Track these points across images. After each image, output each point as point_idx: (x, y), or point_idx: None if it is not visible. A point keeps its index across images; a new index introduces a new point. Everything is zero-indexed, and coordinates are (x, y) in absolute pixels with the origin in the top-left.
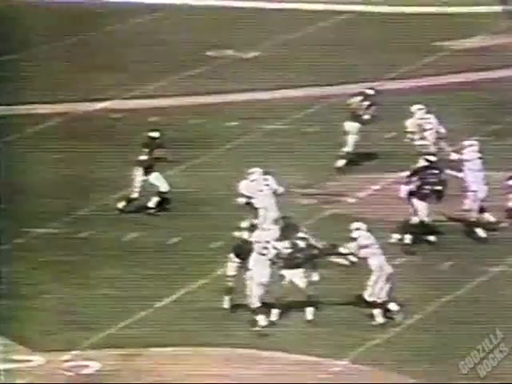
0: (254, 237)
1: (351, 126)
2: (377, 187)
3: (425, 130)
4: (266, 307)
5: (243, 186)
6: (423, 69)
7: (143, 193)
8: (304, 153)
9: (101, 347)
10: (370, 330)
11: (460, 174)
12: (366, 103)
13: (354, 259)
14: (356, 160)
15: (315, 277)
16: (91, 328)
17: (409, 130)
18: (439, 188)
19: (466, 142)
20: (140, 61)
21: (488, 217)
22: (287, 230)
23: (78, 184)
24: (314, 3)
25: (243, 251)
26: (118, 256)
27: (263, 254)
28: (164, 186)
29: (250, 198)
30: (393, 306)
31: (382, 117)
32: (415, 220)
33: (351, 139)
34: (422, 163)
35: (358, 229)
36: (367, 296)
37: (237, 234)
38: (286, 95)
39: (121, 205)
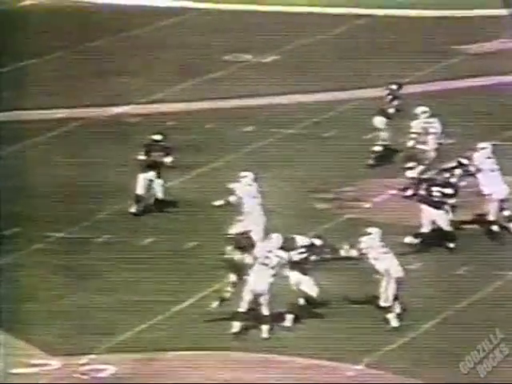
0: (257, 250)
1: (378, 120)
2: (393, 192)
3: (428, 134)
4: (278, 314)
5: (236, 187)
6: (439, 72)
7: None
8: (320, 158)
9: (117, 351)
10: (386, 335)
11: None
12: (390, 97)
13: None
14: (386, 155)
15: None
16: (107, 332)
17: (413, 130)
18: (450, 191)
19: (478, 145)
20: (157, 65)
21: (506, 214)
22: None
23: (95, 189)
24: (332, 7)
25: (240, 268)
26: (135, 260)
27: (265, 264)
28: (159, 193)
29: (241, 199)
30: (397, 309)
31: (407, 110)
32: (426, 228)
33: (381, 135)
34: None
35: (369, 233)
36: (382, 302)
37: (227, 255)
38: (302, 100)
39: (133, 208)
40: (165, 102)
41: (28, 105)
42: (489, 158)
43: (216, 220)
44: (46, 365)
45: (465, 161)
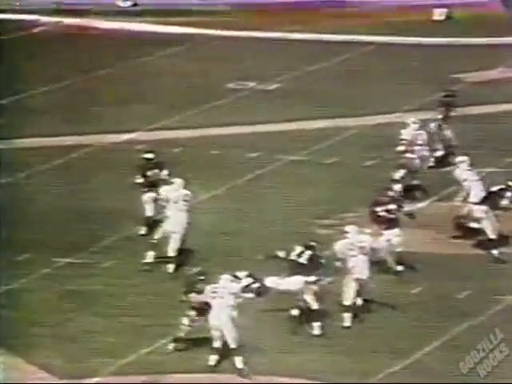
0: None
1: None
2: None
3: (416, 145)
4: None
5: (163, 190)
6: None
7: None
8: (321, 184)
9: (122, 374)
10: (388, 357)
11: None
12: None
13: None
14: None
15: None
16: (113, 355)
17: (404, 137)
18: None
19: (456, 159)
20: (164, 93)
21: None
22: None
23: (102, 214)
24: (334, 35)
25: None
26: (140, 285)
27: (221, 297)
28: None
29: (165, 201)
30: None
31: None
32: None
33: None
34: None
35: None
36: (344, 301)
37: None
38: (306, 127)
39: (142, 231)
40: (171, 129)
41: (38, 132)
42: (469, 170)
43: (220, 246)
44: None
45: None
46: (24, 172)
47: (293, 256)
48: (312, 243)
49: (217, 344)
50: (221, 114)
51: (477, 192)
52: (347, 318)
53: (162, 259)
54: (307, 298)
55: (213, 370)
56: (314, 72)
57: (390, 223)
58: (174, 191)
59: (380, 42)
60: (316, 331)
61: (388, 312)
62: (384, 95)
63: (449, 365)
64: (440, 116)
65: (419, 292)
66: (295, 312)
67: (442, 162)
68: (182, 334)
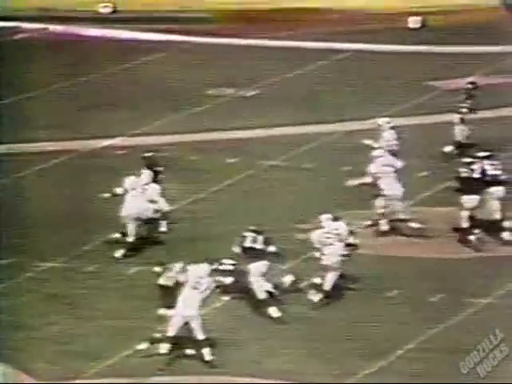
0: (188, 274)
1: (455, 117)
2: (368, 223)
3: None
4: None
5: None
6: (416, 108)
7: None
8: (300, 189)
9: (103, 376)
10: (362, 360)
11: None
12: (465, 96)
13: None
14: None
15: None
16: (94, 358)
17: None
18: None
19: (372, 154)
20: (145, 99)
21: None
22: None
23: (84, 219)
24: (311, 42)
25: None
26: (120, 289)
27: (196, 288)
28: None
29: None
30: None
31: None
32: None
33: (458, 130)
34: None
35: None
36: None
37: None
38: (284, 132)
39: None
40: (151, 134)
41: (20, 138)
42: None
43: (198, 250)
44: None
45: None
46: (8, 177)
47: (248, 243)
48: (258, 228)
49: (172, 333)
50: (201, 120)
51: (392, 186)
52: (315, 296)
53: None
54: (267, 283)
55: (197, 371)
56: (291, 79)
57: None
58: (136, 181)
59: (356, 49)
60: (275, 314)
61: (364, 313)
62: (360, 102)
63: (423, 366)
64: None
65: (395, 295)
66: (262, 295)
67: (454, 157)
68: (158, 335)
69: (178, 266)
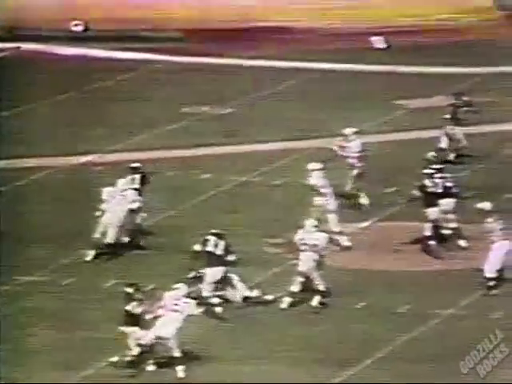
0: (165, 299)
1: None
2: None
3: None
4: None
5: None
6: (382, 125)
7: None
8: (272, 204)
9: None
10: (331, 369)
11: None
12: (459, 104)
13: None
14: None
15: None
16: (74, 367)
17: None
18: None
19: (309, 166)
20: (120, 117)
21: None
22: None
23: (62, 234)
24: (283, 61)
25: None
26: (98, 301)
27: (176, 311)
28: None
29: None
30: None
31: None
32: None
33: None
34: None
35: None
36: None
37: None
38: (257, 149)
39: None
40: (127, 151)
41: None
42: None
43: (175, 264)
44: None
45: None
46: None
47: (210, 247)
48: (220, 232)
49: (135, 351)
50: (176, 137)
51: (331, 200)
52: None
53: (102, 250)
54: (227, 289)
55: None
56: (264, 97)
57: None
58: (114, 190)
59: (326, 69)
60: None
61: (333, 323)
62: (329, 119)
63: (390, 375)
64: (448, 117)
65: (363, 306)
66: (215, 300)
67: (454, 163)
68: (133, 353)
69: (149, 287)
